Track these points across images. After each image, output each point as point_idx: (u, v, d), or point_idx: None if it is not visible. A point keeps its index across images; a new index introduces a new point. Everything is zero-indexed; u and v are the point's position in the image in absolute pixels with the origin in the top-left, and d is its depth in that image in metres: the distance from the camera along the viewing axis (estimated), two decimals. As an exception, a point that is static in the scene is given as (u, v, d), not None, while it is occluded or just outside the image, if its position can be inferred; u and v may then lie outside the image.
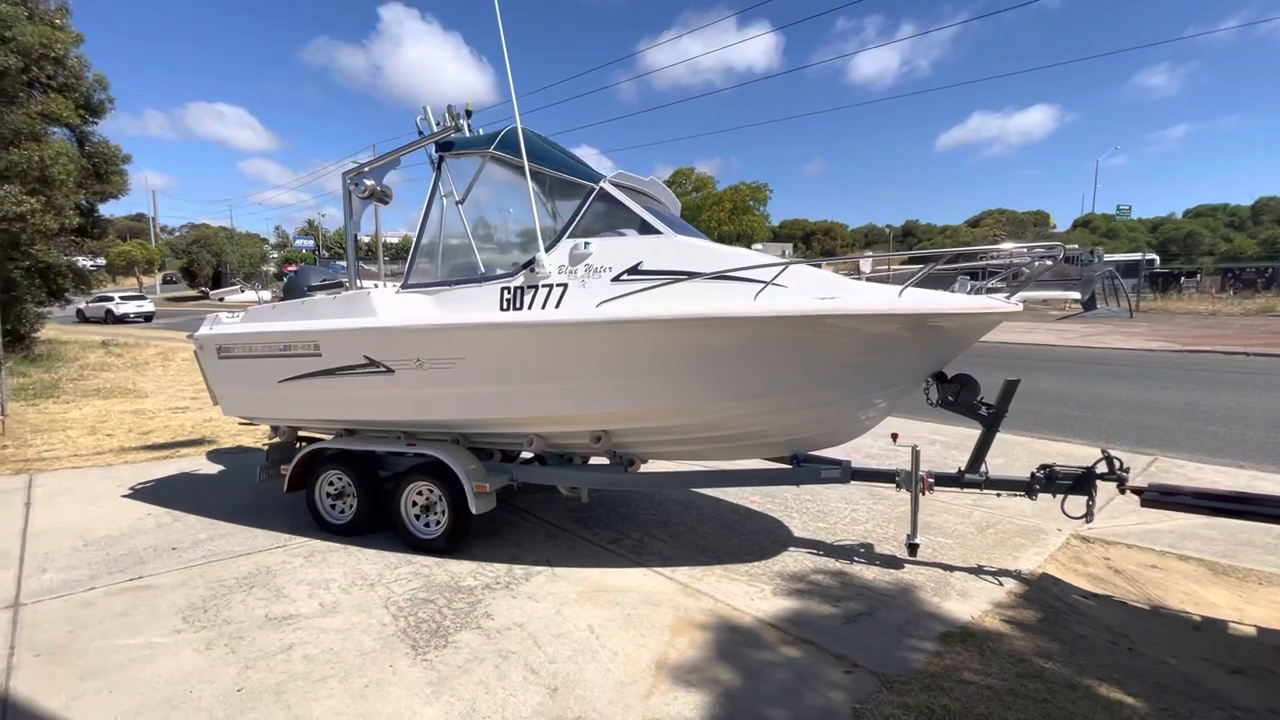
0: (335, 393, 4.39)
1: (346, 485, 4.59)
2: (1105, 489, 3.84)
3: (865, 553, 4.27)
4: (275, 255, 67.65)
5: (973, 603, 3.57)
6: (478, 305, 4.00)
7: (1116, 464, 3.72)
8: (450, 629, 3.30)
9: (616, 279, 3.68)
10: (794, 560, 4.17)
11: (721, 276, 3.50)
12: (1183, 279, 36.93)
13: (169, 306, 45.50)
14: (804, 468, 4.11)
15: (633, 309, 3.52)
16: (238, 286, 50.34)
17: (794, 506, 5.17)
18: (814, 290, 3.41)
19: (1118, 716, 2.60)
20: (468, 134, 4.53)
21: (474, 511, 4.01)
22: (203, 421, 8.54)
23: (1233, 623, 3.43)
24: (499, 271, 4.13)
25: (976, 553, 4.26)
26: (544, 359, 3.76)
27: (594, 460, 4.55)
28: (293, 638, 3.22)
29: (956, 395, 3.84)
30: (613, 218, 4.03)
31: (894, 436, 4.25)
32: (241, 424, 7.41)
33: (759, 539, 4.54)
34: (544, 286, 3.83)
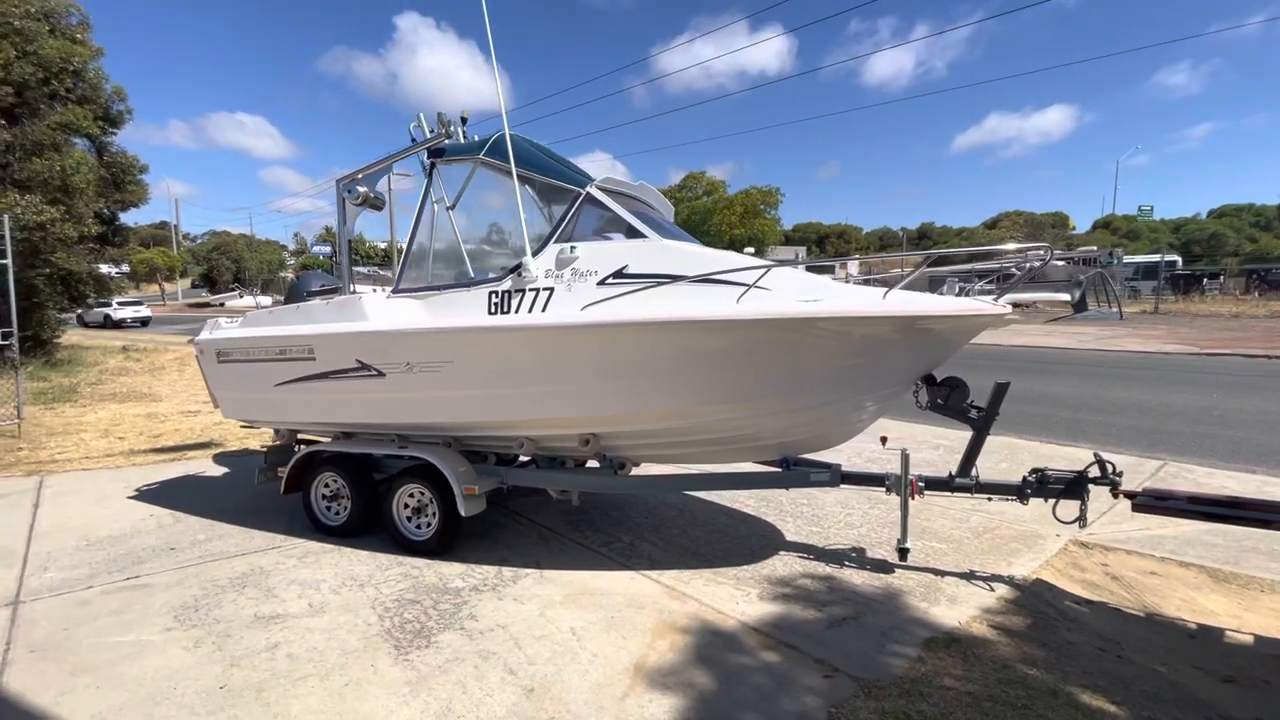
0: (329, 396, 4.45)
1: (341, 487, 4.65)
2: (1102, 494, 3.78)
3: (856, 557, 4.24)
4: (293, 262, 68.74)
5: (961, 608, 3.52)
6: (466, 309, 4.04)
7: (1109, 468, 3.65)
8: (434, 630, 3.33)
9: (602, 283, 3.70)
10: (783, 564, 4.14)
11: (705, 280, 3.51)
12: (1205, 280, 36.17)
13: (187, 313, 46.34)
14: (794, 471, 4.09)
15: (616, 312, 3.54)
16: (236, 292, 51.24)
17: (789, 510, 5.14)
18: (797, 292, 3.41)
19: (1099, 725, 2.55)
20: (461, 140, 4.59)
21: (463, 514, 4.04)
22: (212, 425, 8.69)
23: (1230, 631, 3.35)
24: (488, 276, 4.17)
25: (970, 558, 4.20)
26: (528, 362, 3.79)
27: (590, 464, 4.57)
28: (279, 637, 3.27)
29: (946, 398, 3.80)
30: (600, 222, 4.06)
31: (883, 440, 4.20)
32: (243, 426, 7.52)
33: (750, 543, 4.52)
34: (530, 290, 3.86)
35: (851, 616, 3.45)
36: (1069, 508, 3.74)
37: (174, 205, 67.22)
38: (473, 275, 4.30)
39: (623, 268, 3.68)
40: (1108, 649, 3.14)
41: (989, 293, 3.61)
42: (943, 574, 3.96)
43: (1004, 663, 2.98)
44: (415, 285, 4.41)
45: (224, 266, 60.19)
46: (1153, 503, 3.50)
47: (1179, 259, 41.51)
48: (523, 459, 4.62)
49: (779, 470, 4.16)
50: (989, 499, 3.97)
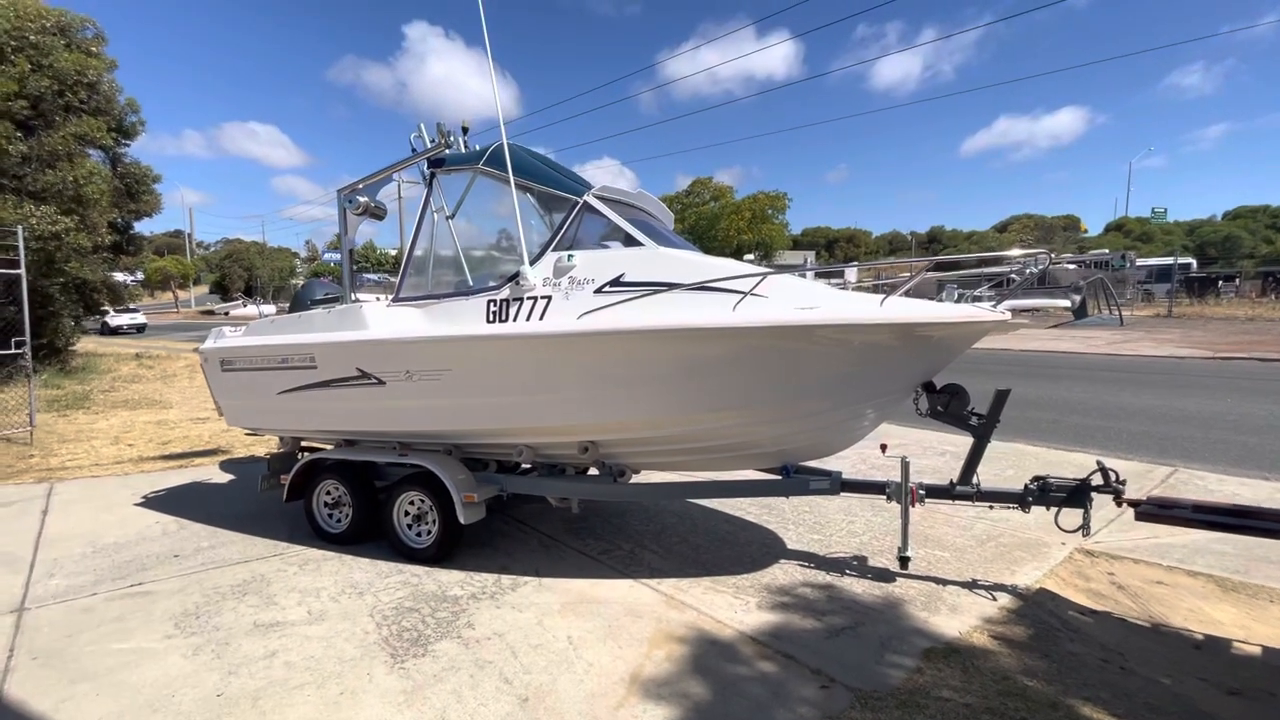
0: (331, 404, 4.48)
1: (342, 495, 4.67)
2: (1107, 502, 3.73)
3: (857, 565, 4.20)
4: (304, 269, 69.48)
5: (962, 618, 3.48)
6: (464, 318, 4.06)
7: (1113, 476, 3.61)
8: (431, 638, 3.33)
9: (599, 291, 3.71)
10: (784, 572, 4.12)
11: (702, 287, 3.50)
12: (1220, 283, 35.65)
13: (198, 320, 46.89)
14: (793, 479, 4.07)
15: (612, 320, 3.54)
16: (240, 300, 51.82)
17: (790, 518, 5.11)
18: (793, 300, 3.39)
19: (1100, 738, 2.51)
20: (462, 150, 4.63)
21: (462, 521, 4.05)
22: (219, 432, 8.77)
23: (1237, 642, 3.29)
24: (487, 284, 4.19)
25: (973, 566, 4.16)
26: (525, 370, 3.80)
27: (591, 471, 4.57)
28: (277, 644, 3.28)
29: (946, 405, 3.77)
30: (598, 230, 4.07)
31: (883, 447, 4.17)
32: (248, 434, 7.59)
33: (751, 550, 4.50)
34: (528, 299, 3.88)
35: (850, 626, 3.42)
36: (1072, 516, 3.70)
37: (188, 213, 68.19)
38: (472, 284, 4.32)
39: (620, 276, 3.69)
40: (1111, 660, 3.09)
41: (990, 298, 3.58)
42: (944, 583, 3.92)
43: (1004, 674, 2.94)
44: (415, 294, 4.44)
45: (236, 274, 60.89)
46: (1156, 511, 3.45)
47: (1194, 261, 40.93)
48: (523, 466, 4.64)
49: (779, 478, 4.14)
50: (991, 507, 3.92)
